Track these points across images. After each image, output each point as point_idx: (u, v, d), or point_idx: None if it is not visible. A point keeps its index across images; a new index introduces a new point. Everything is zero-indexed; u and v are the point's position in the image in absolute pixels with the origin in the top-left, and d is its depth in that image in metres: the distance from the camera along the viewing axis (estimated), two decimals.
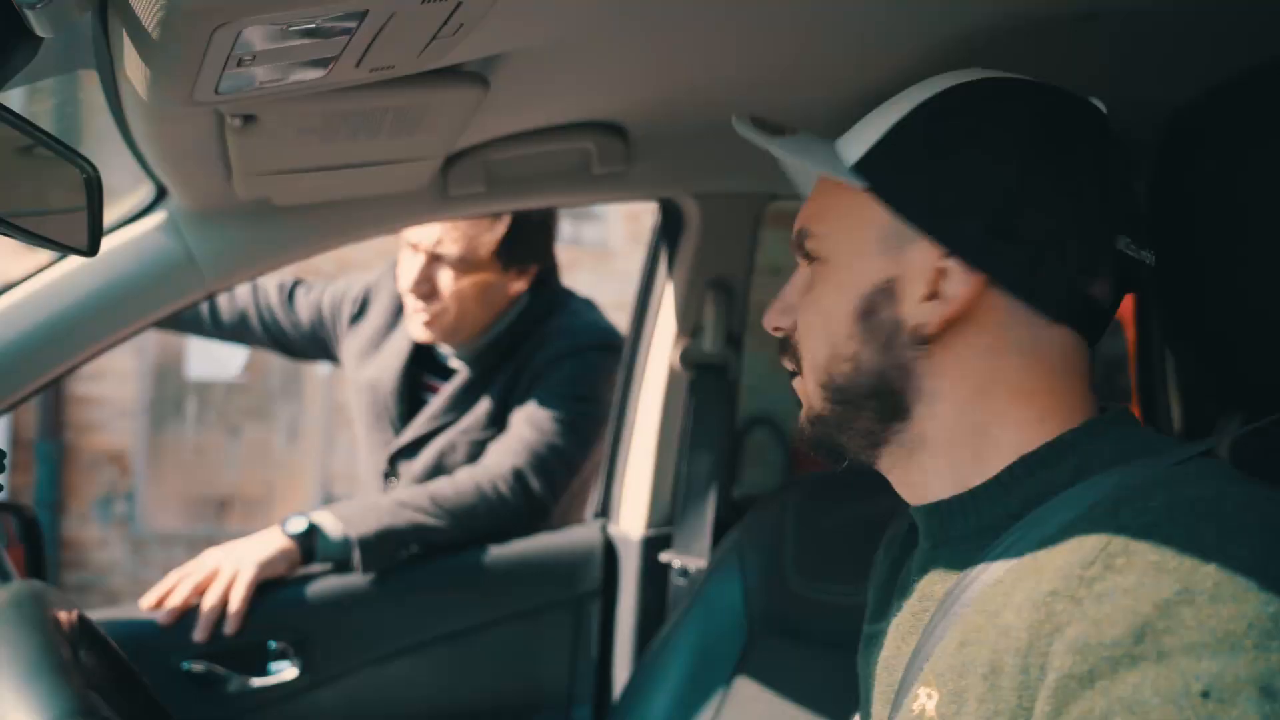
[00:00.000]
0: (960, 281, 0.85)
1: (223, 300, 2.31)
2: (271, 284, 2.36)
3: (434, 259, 2.03)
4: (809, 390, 0.95)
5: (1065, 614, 0.71)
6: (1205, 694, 0.64)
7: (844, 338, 0.90)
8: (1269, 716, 0.62)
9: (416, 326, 2.09)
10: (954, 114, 0.88)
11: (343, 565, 1.82)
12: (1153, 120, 1.11)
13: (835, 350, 0.91)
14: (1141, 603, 0.68)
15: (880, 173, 0.89)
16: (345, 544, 1.81)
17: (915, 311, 0.87)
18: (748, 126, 0.96)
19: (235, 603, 1.70)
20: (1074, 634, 0.70)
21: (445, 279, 2.03)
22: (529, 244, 2.09)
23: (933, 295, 0.86)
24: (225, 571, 1.72)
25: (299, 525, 1.80)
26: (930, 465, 0.90)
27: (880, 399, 0.90)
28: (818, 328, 0.93)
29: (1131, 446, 0.84)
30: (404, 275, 2.06)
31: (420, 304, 2.05)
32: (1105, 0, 1.04)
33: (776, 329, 0.98)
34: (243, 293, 2.33)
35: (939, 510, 0.90)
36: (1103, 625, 0.69)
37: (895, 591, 0.99)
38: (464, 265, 2.02)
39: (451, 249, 2.01)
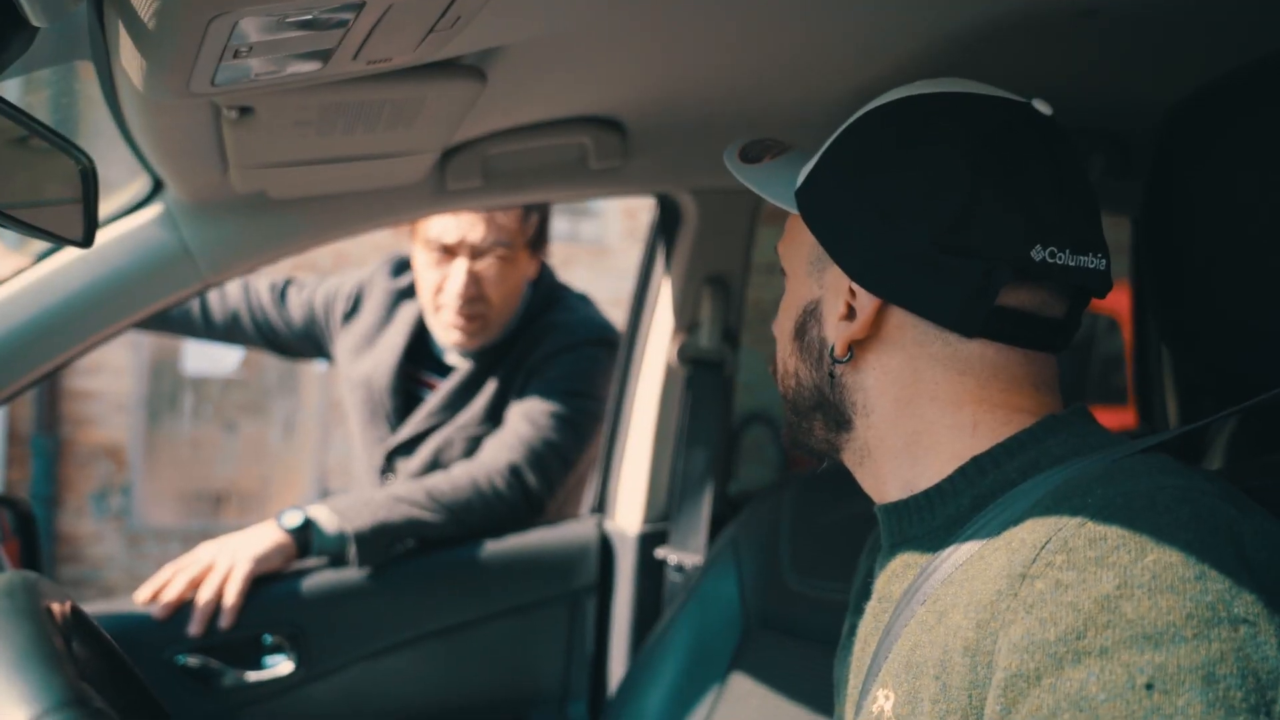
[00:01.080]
0: (864, 302, 0.89)
1: (214, 300, 2.30)
2: (262, 283, 2.34)
3: (475, 258, 2.01)
4: (783, 402, 1.01)
5: (1009, 612, 0.73)
6: (1149, 686, 0.65)
7: (787, 354, 0.99)
8: (1212, 704, 0.63)
9: (458, 335, 2.07)
10: (863, 138, 0.91)
11: (338, 559, 1.82)
12: (1150, 116, 1.11)
13: (784, 366, 0.99)
14: (1082, 599, 0.69)
15: (807, 197, 0.94)
16: (341, 538, 1.80)
17: (833, 330, 0.92)
18: (730, 157, 1.05)
19: (230, 597, 1.70)
20: (1018, 632, 0.71)
21: (490, 277, 2.02)
22: (547, 227, 2.13)
23: (850, 315, 0.90)
24: (220, 565, 1.72)
25: (294, 520, 1.80)
26: (880, 470, 0.94)
27: (824, 411, 0.96)
28: (777, 343, 1.01)
29: (1083, 443, 0.85)
30: (447, 283, 2.03)
31: (467, 308, 2.03)
32: None
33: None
34: (234, 292, 2.31)
35: (895, 510, 0.93)
36: (1046, 623, 0.70)
37: (865, 593, 1.02)
38: (508, 252, 2.02)
39: (494, 236, 1.99)
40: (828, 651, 1.13)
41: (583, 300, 2.26)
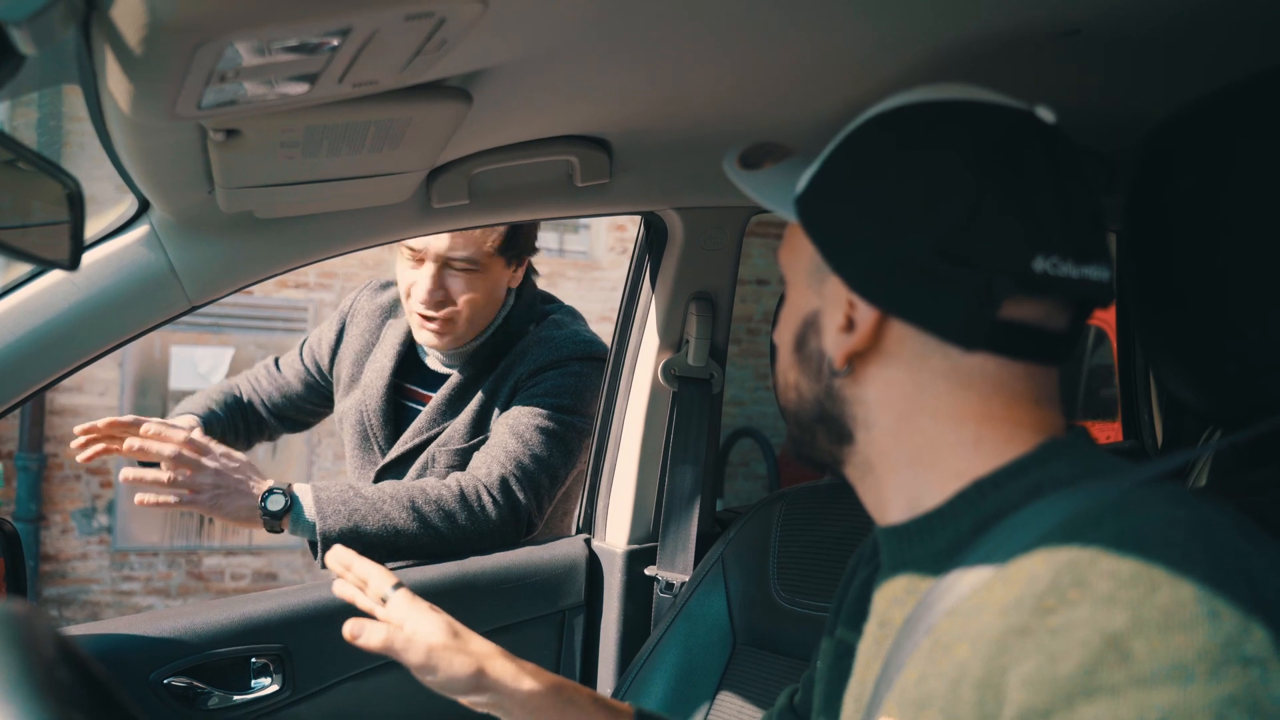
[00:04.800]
0: (863, 313, 0.87)
1: (237, 414, 2.34)
2: (259, 370, 2.38)
3: (444, 265, 2.03)
4: (784, 415, 0.99)
5: (1019, 648, 0.71)
6: None
7: (787, 366, 0.96)
8: None
9: (428, 336, 2.09)
10: (863, 144, 0.89)
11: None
12: (1133, 134, 1.12)
13: (784, 378, 0.97)
14: (1094, 635, 0.68)
15: (806, 205, 0.91)
16: (312, 529, 1.82)
17: (833, 342, 0.90)
18: (729, 163, 1.01)
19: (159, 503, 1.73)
20: (1029, 668, 0.70)
21: (458, 284, 2.04)
22: (526, 236, 2.12)
23: (849, 326, 0.88)
24: (199, 471, 1.74)
25: (277, 504, 1.80)
26: (882, 486, 0.92)
27: (825, 424, 0.93)
28: (778, 354, 0.98)
29: (1087, 468, 0.83)
30: (414, 287, 2.05)
31: (433, 313, 2.05)
32: (1088, 17, 1.05)
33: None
34: (245, 391, 2.36)
35: (897, 534, 0.91)
36: (1057, 659, 0.69)
37: (859, 609, 1.00)
38: (475, 266, 2.03)
39: (463, 251, 2.01)
40: None
41: (571, 315, 2.26)
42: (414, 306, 2.07)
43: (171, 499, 1.74)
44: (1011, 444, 0.85)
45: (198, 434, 1.79)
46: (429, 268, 2.03)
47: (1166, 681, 0.65)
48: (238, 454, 1.84)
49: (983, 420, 0.86)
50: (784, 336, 0.97)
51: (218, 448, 1.80)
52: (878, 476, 0.92)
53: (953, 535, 0.86)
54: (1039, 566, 0.74)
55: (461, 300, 2.04)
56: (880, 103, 0.91)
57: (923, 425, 0.87)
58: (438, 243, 2.00)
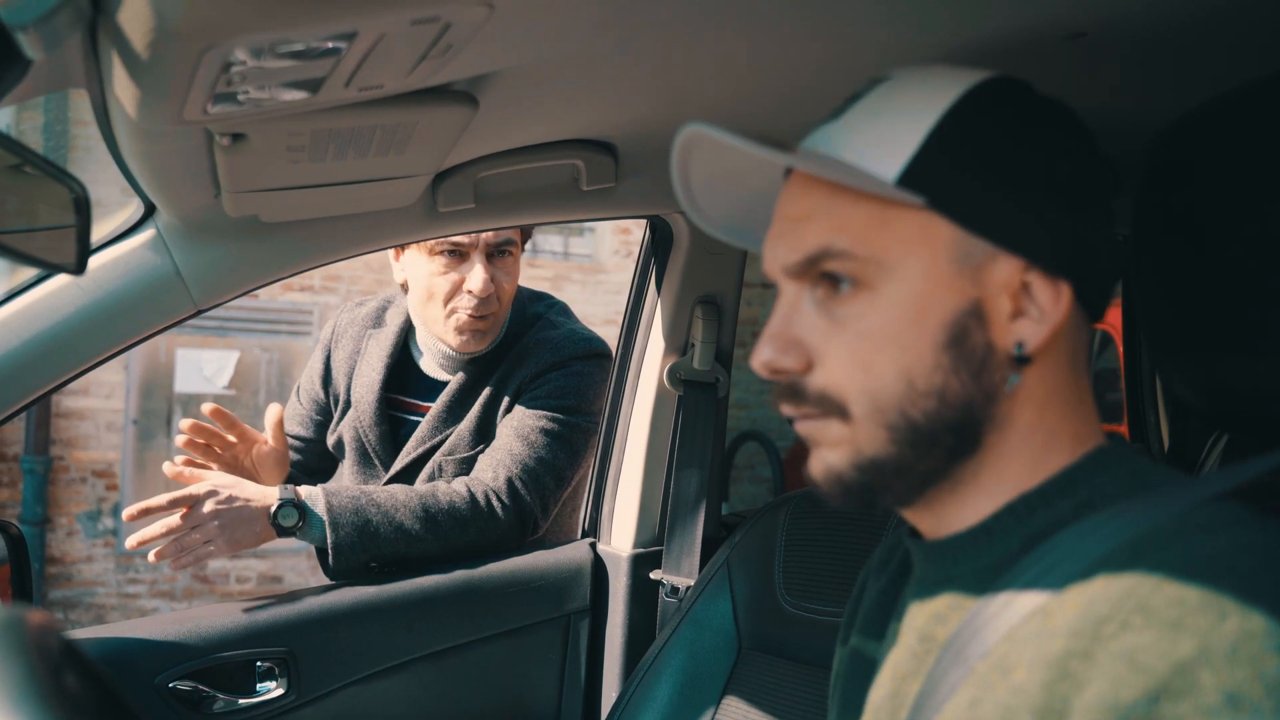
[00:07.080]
0: (1045, 293, 0.81)
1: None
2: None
3: (490, 257, 2.02)
4: (865, 435, 0.83)
5: (1082, 673, 0.70)
6: None
7: (928, 370, 0.81)
8: None
9: (470, 339, 2.07)
10: (999, 116, 0.83)
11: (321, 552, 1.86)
12: (1140, 138, 1.12)
13: (914, 385, 0.82)
14: (1159, 663, 0.66)
15: (939, 186, 0.81)
16: (323, 538, 1.83)
17: (1009, 332, 0.82)
18: (751, 143, 0.83)
19: (182, 562, 1.76)
20: (1091, 694, 0.68)
21: (500, 274, 2.04)
22: None
23: (1018, 312, 0.82)
24: (203, 533, 1.76)
25: (289, 519, 1.81)
26: (967, 496, 0.86)
27: (959, 433, 0.82)
28: (884, 363, 0.82)
29: (1136, 480, 0.82)
30: (465, 284, 2.02)
31: (483, 308, 2.03)
32: (1094, 20, 1.05)
33: (778, 371, 0.86)
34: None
35: (940, 549, 0.88)
36: (1120, 686, 0.67)
37: (892, 620, 0.97)
38: (514, 249, 2.04)
39: (506, 234, 2.00)
40: (822, 674, 1.13)
41: (563, 312, 2.25)
42: (464, 305, 2.03)
43: (188, 556, 1.78)
44: (1054, 451, 0.84)
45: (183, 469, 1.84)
46: (478, 261, 2.01)
47: (1232, 713, 0.63)
48: (223, 475, 1.83)
49: (1082, 405, 0.85)
50: (914, 337, 0.82)
51: (205, 481, 1.79)
52: (977, 482, 0.85)
53: (1001, 552, 0.83)
54: (1100, 590, 0.72)
55: (504, 292, 2.05)
56: (946, 79, 0.85)
57: (1051, 414, 0.84)
58: (486, 232, 1.99)
